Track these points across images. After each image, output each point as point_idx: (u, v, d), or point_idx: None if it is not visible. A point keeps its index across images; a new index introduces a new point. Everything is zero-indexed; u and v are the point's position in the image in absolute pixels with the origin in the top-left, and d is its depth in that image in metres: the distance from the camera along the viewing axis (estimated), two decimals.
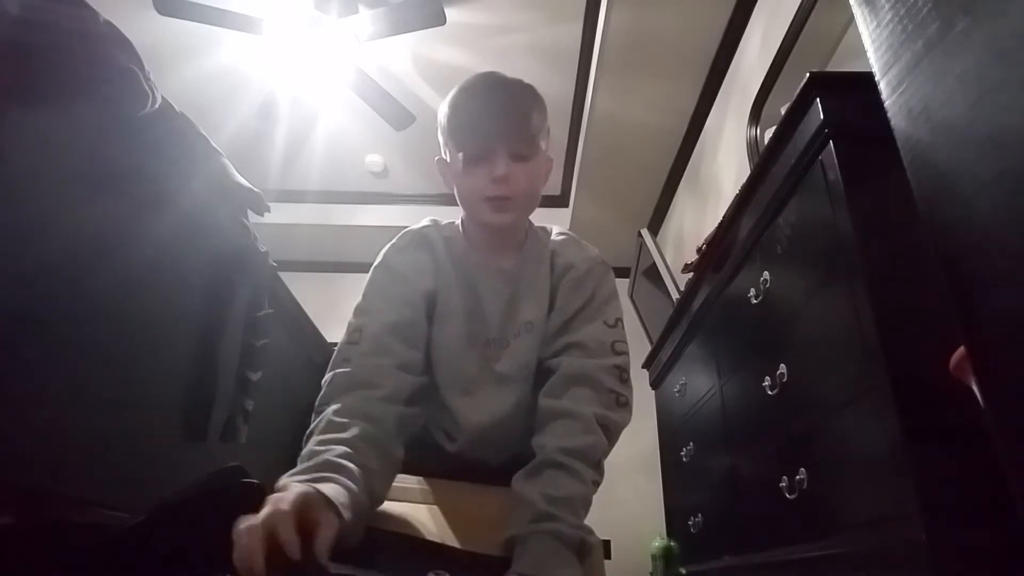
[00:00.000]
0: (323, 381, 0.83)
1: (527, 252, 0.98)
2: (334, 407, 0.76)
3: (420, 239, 0.96)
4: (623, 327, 0.94)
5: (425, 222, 0.99)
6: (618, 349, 0.90)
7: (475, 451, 0.94)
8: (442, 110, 0.91)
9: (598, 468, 0.81)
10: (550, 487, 0.75)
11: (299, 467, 0.67)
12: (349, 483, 0.65)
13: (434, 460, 0.95)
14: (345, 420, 0.74)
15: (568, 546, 0.71)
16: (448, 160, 0.93)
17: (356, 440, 0.72)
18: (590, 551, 0.75)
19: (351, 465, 0.68)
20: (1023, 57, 0.39)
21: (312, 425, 0.76)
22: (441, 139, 0.94)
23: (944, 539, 0.78)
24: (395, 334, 0.86)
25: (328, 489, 0.61)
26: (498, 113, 0.86)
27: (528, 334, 0.94)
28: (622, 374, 0.89)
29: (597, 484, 0.80)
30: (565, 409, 0.83)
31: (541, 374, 0.93)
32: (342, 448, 0.70)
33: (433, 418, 0.97)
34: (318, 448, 0.70)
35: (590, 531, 0.75)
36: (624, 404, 0.87)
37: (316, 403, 0.81)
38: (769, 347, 1.32)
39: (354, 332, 0.86)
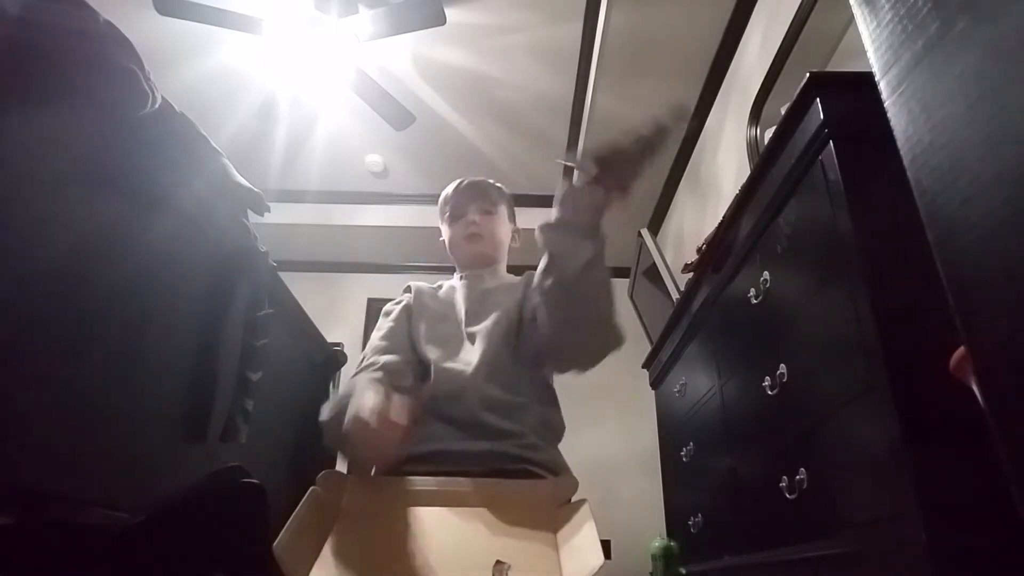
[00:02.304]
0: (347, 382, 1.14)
1: (505, 282, 1.31)
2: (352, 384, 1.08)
3: (412, 287, 1.34)
4: None
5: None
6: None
7: (456, 401, 1.09)
8: (444, 197, 1.35)
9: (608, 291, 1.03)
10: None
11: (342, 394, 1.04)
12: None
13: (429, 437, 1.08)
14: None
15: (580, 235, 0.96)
16: (443, 229, 1.35)
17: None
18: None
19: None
20: (1023, 57, 0.39)
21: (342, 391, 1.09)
22: (440, 220, 1.36)
23: (944, 539, 0.78)
24: (386, 338, 1.22)
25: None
26: (468, 191, 1.33)
27: (497, 310, 1.19)
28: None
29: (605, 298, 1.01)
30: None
31: (518, 341, 1.17)
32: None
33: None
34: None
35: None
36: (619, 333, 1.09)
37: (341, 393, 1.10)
38: (769, 347, 1.32)
39: (370, 345, 1.23)
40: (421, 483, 0.92)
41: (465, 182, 1.34)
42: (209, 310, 1.27)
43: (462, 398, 1.07)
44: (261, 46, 2.67)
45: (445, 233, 1.34)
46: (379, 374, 1.09)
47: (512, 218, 1.38)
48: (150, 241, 1.09)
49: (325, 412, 1.05)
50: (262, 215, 1.44)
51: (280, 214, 2.82)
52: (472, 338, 1.18)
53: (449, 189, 1.35)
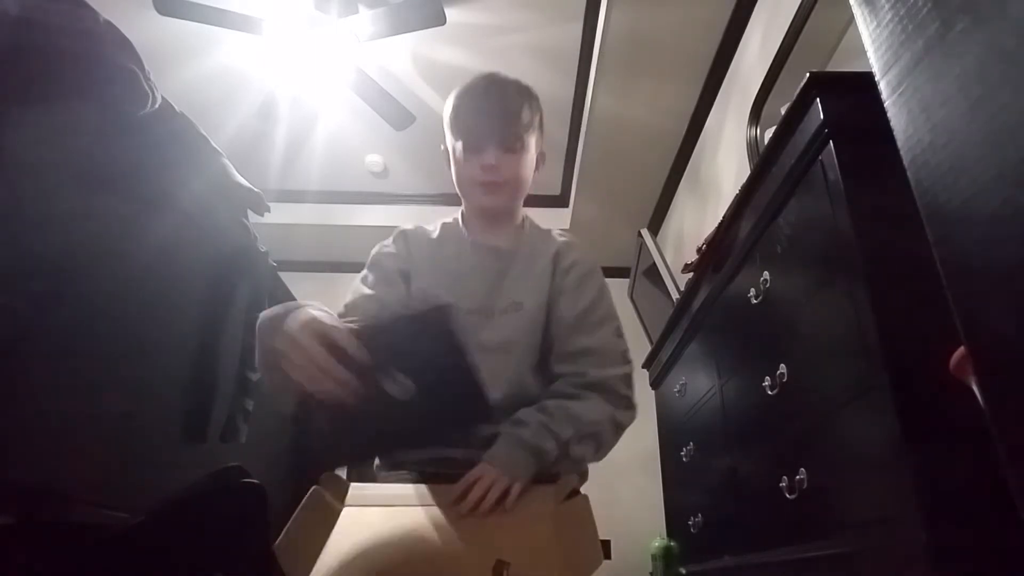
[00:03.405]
0: None
1: (525, 238, 1.08)
2: None
3: (397, 236, 1.09)
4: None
5: (412, 226, 1.11)
6: (627, 358, 1.00)
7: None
8: (447, 105, 1.03)
9: (599, 444, 0.91)
10: (544, 410, 0.88)
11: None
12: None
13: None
14: None
15: (529, 452, 0.83)
16: (450, 149, 1.05)
17: None
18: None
19: None
20: (1023, 57, 0.39)
21: None
22: (446, 130, 1.05)
23: (944, 539, 0.78)
24: (369, 300, 0.98)
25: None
26: (491, 111, 0.99)
27: (515, 313, 0.99)
28: (631, 381, 0.98)
29: (593, 448, 0.90)
30: (581, 396, 0.93)
31: (539, 371, 0.99)
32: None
33: None
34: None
35: (569, 458, 0.87)
36: (632, 407, 0.97)
37: None
38: (769, 347, 1.32)
39: (345, 307, 0.98)
40: (422, 485, 0.91)
41: (490, 99, 1.00)
42: (209, 310, 1.27)
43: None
44: (261, 46, 2.67)
45: (452, 156, 1.04)
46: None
47: (540, 138, 1.07)
48: (150, 241, 1.09)
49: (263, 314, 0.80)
50: (262, 215, 1.44)
51: (280, 214, 2.83)
52: (485, 346, 0.96)
53: (466, 101, 1.01)
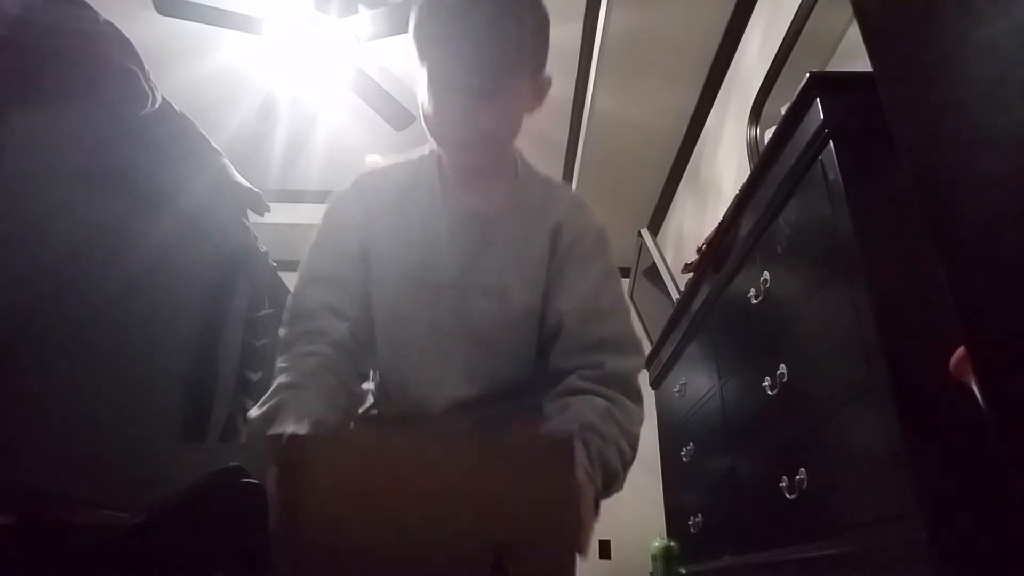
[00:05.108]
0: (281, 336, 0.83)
1: (517, 197, 0.86)
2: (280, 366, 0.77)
3: (352, 192, 0.88)
4: None
5: (372, 171, 0.90)
6: (641, 346, 0.87)
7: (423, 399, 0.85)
8: (415, 9, 0.74)
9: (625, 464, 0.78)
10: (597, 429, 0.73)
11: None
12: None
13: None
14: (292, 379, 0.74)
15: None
16: (419, 73, 0.76)
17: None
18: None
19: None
20: (1023, 57, 0.39)
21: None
22: (416, 51, 0.75)
23: (944, 539, 0.78)
24: (325, 284, 0.83)
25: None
26: (468, 32, 0.69)
27: (500, 300, 0.82)
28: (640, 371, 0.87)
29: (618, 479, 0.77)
30: (610, 395, 0.78)
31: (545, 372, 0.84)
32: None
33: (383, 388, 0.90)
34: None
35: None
36: (642, 400, 0.84)
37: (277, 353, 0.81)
38: (769, 347, 1.32)
39: (297, 286, 0.85)
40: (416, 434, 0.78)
41: (469, 12, 0.68)
42: (209, 310, 1.27)
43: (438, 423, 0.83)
44: (261, 46, 2.67)
45: (422, 89, 0.75)
46: (319, 360, 0.75)
47: (544, 56, 0.78)
48: (150, 241, 1.09)
49: (255, 409, 0.71)
50: (262, 215, 1.44)
51: (280, 214, 2.82)
52: (457, 334, 0.82)
53: (436, 10, 0.71)
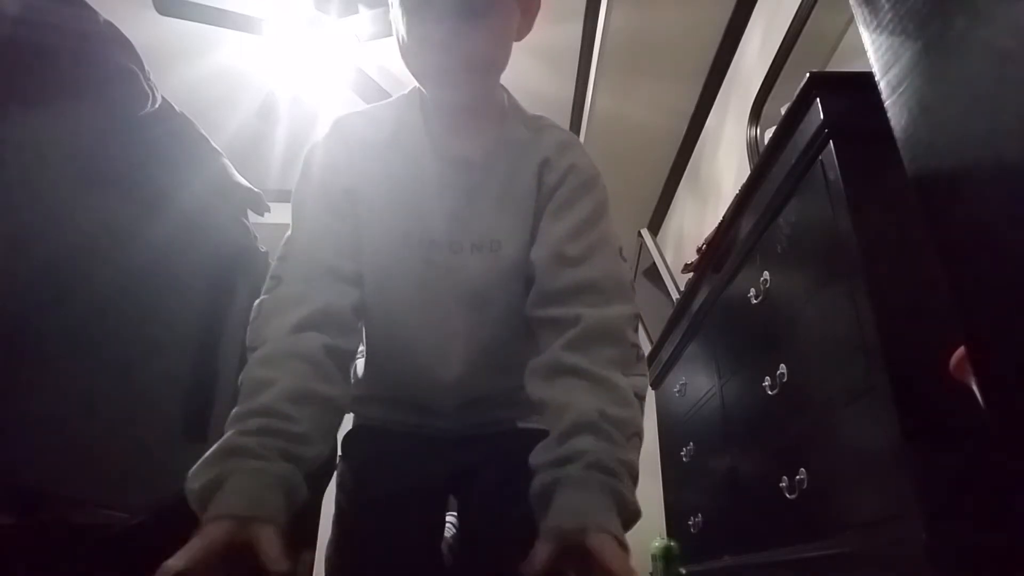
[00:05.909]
0: (253, 308, 0.70)
1: (506, 139, 0.77)
2: (259, 353, 0.66)
3: (332, 135, 0.79)
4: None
5: (351, 113, 0.82)
6: (631, 293, 0.77)
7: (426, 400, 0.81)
8: None
9: (637, 440, 0.69)
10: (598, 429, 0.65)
11: (215, 452, 0.60)
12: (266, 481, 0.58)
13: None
14: (269, 374, 0.65)
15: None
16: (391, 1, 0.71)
17: (279, 402, 0.63)
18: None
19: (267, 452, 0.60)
20: (1022, 57, 0.39)
21: (241, 376, 0.67)
22: None
23: (944, 539, 0.78)
24: (324, 240, 0.73)
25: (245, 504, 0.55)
26: None
27: (493, 255, 0.75)
28: (637, 323, 0.77)
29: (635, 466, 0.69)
30: (594, 374, 0.67)
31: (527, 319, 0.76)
32: (261, 422, 0.63)
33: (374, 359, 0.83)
34: (236, 427, 0.63)
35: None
36: (642, 358, 0.74)
37: (247, 341, 0.69)
38: (769, 347, 1.32)
39: (285, 245, 0.74)
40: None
41: None
42: (209, 310, 1.27)
43: (434, 402, 0.81)
44: (261, 46, 2.67)
45: (398, 16, 0.70)
46: (306, 368, 0.65)
47: None
48: (150, 241, 1.09)
49: (196, 470, 0.61)
50: (262, 215, 1.44)
51: (280, 214, 2.81)
52: (451, 296, 0.76)
53: None
